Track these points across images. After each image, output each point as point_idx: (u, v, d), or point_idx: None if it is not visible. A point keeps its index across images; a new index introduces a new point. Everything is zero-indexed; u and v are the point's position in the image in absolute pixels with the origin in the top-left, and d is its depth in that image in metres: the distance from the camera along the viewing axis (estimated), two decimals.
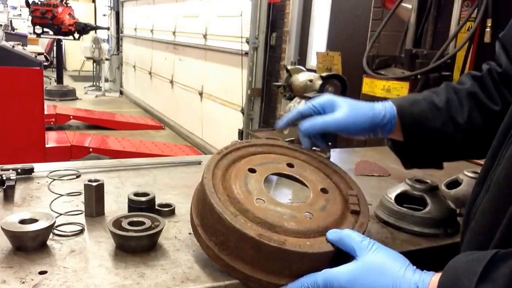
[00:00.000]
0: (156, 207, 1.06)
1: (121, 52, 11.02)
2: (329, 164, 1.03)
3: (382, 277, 0.71)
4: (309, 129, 0.97)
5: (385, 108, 0.95)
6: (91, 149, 5.19)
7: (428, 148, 0.98)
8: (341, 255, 0.79)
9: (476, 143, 0.94)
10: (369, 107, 0.95)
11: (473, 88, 0.95)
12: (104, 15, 12.45)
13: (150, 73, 9.02)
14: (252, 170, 0.92)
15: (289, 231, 0.80)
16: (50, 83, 10.82)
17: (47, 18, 9.44)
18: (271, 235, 0.78)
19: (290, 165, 0.98)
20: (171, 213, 1.08)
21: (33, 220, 0.87)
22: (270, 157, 1.00)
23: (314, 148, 1.05)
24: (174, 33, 7.60)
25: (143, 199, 1.03)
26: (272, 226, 0.80)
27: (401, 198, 1.12)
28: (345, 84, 3.16)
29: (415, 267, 0.73)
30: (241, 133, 5.22)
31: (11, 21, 13.01)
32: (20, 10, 14.44)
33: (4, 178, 1.09)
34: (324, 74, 3.20)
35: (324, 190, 0.92)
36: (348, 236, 0.78)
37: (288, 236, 0.79)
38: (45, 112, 4.46)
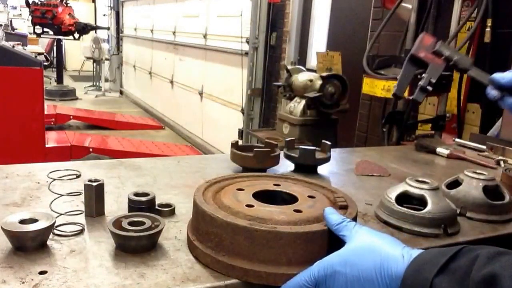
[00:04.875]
0: (156, 207, 1.06)
1: (121, 52, 11.02)
2: (316, 183, 1.08)
3: (372, 255, 0.74)
4: None
5: None
6: (91, 149, 5.19)
7: None
8: (334, 242, 0.80)
9: None
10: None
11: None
12: (104, 15, 12.45)
13: (150, 73, 9.02)
14: (240, 189, 0.97)
15: (279, 221, 0.83)
16: (50, 83, 10.82)
17: (47, 18, 9.44)
18: (263, 225, 0.82)
19: (276, 185, 1.03)
20: (171, 213, 1.07)
21: (33, 220, 0.87)
22: (257, 181, 1.06)
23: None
24: (174, 33, 7.60)
25: (143, 199, 1.03)
26: (263, 220, 0.84)
27: (401, 198, 1.12)
28: (345, 84, 3.16)
29: (402, 244, 0.76)
30: (241, 133, 5.22)
31: (11, 21, 13.00)
32: (20, 10, 14.45)
33: None
34: (324, 74, 3.20)
35: (311, 197, 0.97)
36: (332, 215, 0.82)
37: (279, 225, 0.82)
38: (45, 112, 4.46)
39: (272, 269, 0.79)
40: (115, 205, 1.11)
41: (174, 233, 0.98)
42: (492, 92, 1.00)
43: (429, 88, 0.98)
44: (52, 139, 5.26)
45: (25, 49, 5.13)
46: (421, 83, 0.98)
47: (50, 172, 1.28)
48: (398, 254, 0.73)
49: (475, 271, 0.62)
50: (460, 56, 1.01)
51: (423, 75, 0.98)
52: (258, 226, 0.80)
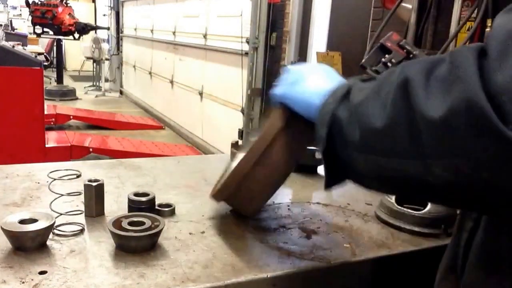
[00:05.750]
0: (156, 207, 1.06)
1: (121, 52, 11.02)
2: None
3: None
4: None
5: None
6: (91, 149, 5.18)
7: None
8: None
9: None
10: None
11: None
12: (104, 15, 12.44)
13: (150, 73, 9.02)
14: None
15: None
16: (50, 83, 10.81)
17: (47, 18, 9.43)
18: None
19: None
20: (171, 213, 1.07)
21: (33, 220, 0.87)
22: None
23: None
24: (174, 33, 7.60)
25: (143, 199, 1.03)
26: None
27: (401, 198, 1.12)
28: None
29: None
30: (241, 133, 5.21)
31: (11, 21, 13.01)
32: (20, 10, 14.44)
33: None
34: None
35: None
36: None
37: None
38: (45, 112, 4.45)
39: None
40: (115, 205, 1.11)
41: (174, 233, 0.98)
42: None
43: (389, 64, 1.16)
44: (52, 139, 5.26)
45: (25, 49, 5.13)
46: (384, 59, 1.16)
47: (50, 172, 1.27)
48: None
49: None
50: (420, 52, 1.16)
51: (387, 56, 1.17)
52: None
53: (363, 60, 1.17)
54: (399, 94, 0.55)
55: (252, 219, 1.08)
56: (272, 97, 0.90)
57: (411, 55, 1.14)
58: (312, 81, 0.81)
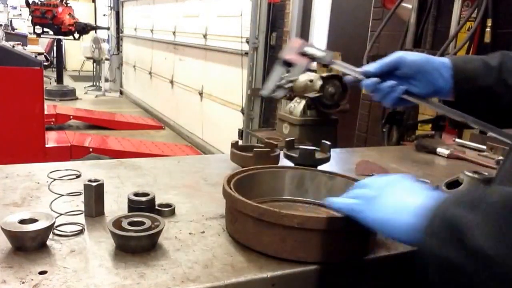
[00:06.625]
0: (156, 207, 1.06)
1: (121, 52, 11.01)
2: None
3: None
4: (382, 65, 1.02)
5: (444, 61, 1.01)
6: (91, 149, 5.18)
7: (476, 109, 0.99)
8: None
9: None
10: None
11: None
12: (104, 15, 12.44)
13: (150, 73, 9.02)
14: None
15: None
16: (50, 83, 10.81)
17: (47, 18, 9.43)
18: None
19: None
20: (171, 213, 1.07)
21: (33, 220, 0.87)
22: None
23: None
24: (174, 33, 7.60)
25: (143, 199, 1.03)
26: None
27: None
28: (345, 84, 3.15)
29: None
30: (241, 133, 5.21)
31: (11, 21, 13.01)
32: (20, 10, 14.43)
33: None
34: (324, 74, 3.19)
35: None
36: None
37: None
38: (45, 112, 4.45)
39: None
40: (115, 205, 1.11)
41: (174, 233, 0.98)
42: (371, 80, 1.02)
43: (290, 85, 1.08)
44: (52, 139, 5.26)
45: (25, 49, 5.13)
46: (283, 77, 1.08)
47: (50, 172, 1.28)
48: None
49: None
50: (325, 53, 1.09)
51: (286, 74, 1.08)
52: None
53: (262, 90, 1.09)
54: None
55: None
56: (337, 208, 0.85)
57: (315, 60, 1.09)
58: (395, 196, 0.74)
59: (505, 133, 0.95)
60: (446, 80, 0.99)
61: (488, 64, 0.98)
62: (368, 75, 1.03)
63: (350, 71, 1.07)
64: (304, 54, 1.08)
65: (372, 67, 1.03)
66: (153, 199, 1.05)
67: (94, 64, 10.94)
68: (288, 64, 1.09)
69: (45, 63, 8.28)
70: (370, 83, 1.03)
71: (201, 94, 6.64)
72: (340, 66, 1.09)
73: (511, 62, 0.97)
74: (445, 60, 1.01)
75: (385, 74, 1.02)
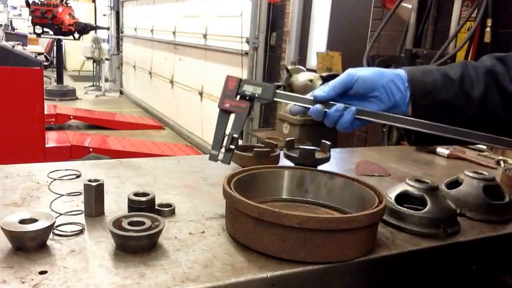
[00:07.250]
0: (156, 207, 1.06)
1: (121, 52, 11.02)
2: None
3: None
4: (331, 90, 0.93)
5: (400, 73, 0.95)
6: (91, 149, 5.18)
7: (437, 122, 0.91)
8: None
9: (490, 123, 0.90)
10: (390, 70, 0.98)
11: (494, 67, 0.92)
12: (104, 15, 12.44)
13: (150, 73, 9.02)
14: None
15: None
16: (50, 83, 10.81)
17: (47, 18, 9.43)
18: None
19: None
20: (171, 213, 1.08)
21: (33, 220, 0.87)
22: None
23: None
24: (174, 33, 7.60)
25: (143, 199, 1.03)
26: None
27: (401, 198, 1.12)
28: None
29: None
30: (241, 133, 5.22)
31: (11, 21, 13.02)
32: (20, 10, 14.44)
33: None
34: (324, 74, 3.21)
35: None
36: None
37: None
38: (45, 112, 4.45)
39: None
40: (115, 205, 1.11)
41: (174, 233, 0.98)
42: (317, 107, 0.91)
43: (232, 147, 0.94)
44: (52, 139, 5.26)
45: (25, 49, 5.13)
46: (224, 144, 0.94)
47: (50, 172, 1.27)
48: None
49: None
50: (264, 87, 0.94)
51: (227, 133, 0.95)
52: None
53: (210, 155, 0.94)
54: None
55: None
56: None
57: (255, 99, 0.94)
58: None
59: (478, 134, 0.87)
60: (402, 92, 0.93)
61: (449, 76, 0.92)
62: (318, 100, 0.92)
63: (297, 101, 0.94)
64: (242, 96, 0.97)
65: (322, 91, 0.93)
66: (153, 199, 1.05)
67: (94, 64, 10.94)
68: (228, 112, 0.99)
69: (45, 63, 8.27)
70: (315, 111, 0.92)
71: (201, 94, 6.64)
72: (285, 99, 0.95)
73: (473, 73, 0.92)
74: (401, 71, 0.94)
75: (338, 96, 0.93)
